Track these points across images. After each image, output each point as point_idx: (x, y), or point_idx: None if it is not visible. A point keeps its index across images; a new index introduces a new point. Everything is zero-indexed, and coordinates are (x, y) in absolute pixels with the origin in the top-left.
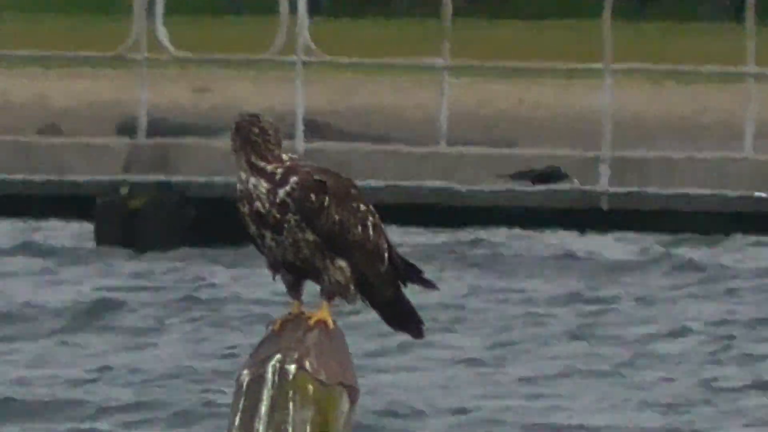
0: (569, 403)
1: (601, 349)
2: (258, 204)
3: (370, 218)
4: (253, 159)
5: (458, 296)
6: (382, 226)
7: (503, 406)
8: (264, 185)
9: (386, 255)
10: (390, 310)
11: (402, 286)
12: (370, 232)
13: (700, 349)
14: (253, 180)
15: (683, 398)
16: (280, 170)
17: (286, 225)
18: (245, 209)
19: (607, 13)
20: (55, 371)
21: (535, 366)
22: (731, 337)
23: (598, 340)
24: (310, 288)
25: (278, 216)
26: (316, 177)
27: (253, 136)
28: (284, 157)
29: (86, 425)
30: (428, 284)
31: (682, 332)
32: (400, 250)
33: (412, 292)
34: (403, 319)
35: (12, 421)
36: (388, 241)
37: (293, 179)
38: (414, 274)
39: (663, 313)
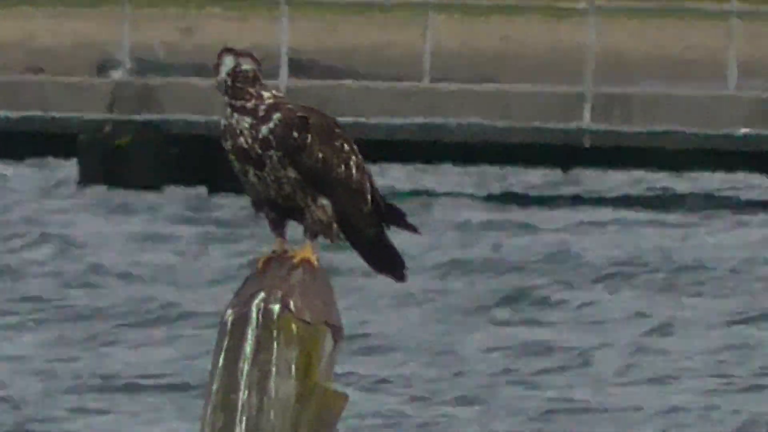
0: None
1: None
2: (241, 139)
3: (354, 158)
4: (235, 101)
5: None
6: (366, 166)
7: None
8: (247, 120)
9: (369, 195)
10: (372, 252)
11: (385, 228)
12: (353, 171)
13: None
14: (236, 115)
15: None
16: (263, 107)
17: (268, 161)
18: (228, 145)
19: None
20: None
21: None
22: None
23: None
24: (295, 229)
25: (260, 152)
26: (300, 114)
27: (235, 80)
28: (267, 94)
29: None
30: (411, 228)
31: None
32: (383, 186)
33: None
34: (386, 261)
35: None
36: (371, 182)
37: (276, 116)
38: (397, 218)
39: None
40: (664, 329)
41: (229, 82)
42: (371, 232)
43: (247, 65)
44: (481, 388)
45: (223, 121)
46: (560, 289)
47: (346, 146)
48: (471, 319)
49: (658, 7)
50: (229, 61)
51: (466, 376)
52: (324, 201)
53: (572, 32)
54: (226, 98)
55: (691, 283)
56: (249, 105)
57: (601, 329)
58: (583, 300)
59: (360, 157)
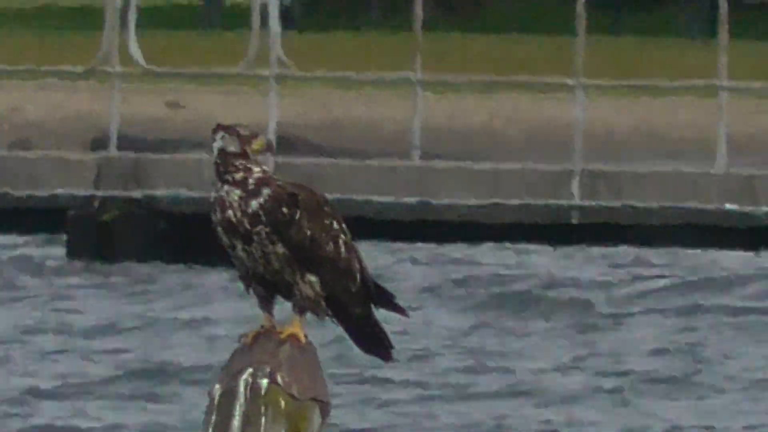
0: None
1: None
2: (230, 212)
3: (342, 236)
4: (226, 173)
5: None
6: (355, 246)
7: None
8: (237, 192)
9: (358, 275)
10: (359, 331)
11: (373, 308)
12: (342, 249)
13: None
14: (226, 187)
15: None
16: (251, 180)
17: (255, 237)
18: (217, 218)
19: (580, 28)
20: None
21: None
22: None
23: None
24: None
25: (249, 226)
26: (290, 190)
27: (223, 159)
28: (255, 168)
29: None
30: (399, 310)
31: None
32: (372, 265)
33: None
34: (373, 341)
35: None
36: (360, 262)
37: (266, 191)
38: (386, 299)
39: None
40: None
41: (218, 161)
42: (359, 311)
43: (232, 147)
44: None
45: (213, 194)
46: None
47: (335, 224)
48: None
49: (646, 84)
50: (219, 139)
51: None
52: (312, 278)
53: (560, 108)
54: (216, 175)
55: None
56: (237, 176)
57: None
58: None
59: (349, 235)
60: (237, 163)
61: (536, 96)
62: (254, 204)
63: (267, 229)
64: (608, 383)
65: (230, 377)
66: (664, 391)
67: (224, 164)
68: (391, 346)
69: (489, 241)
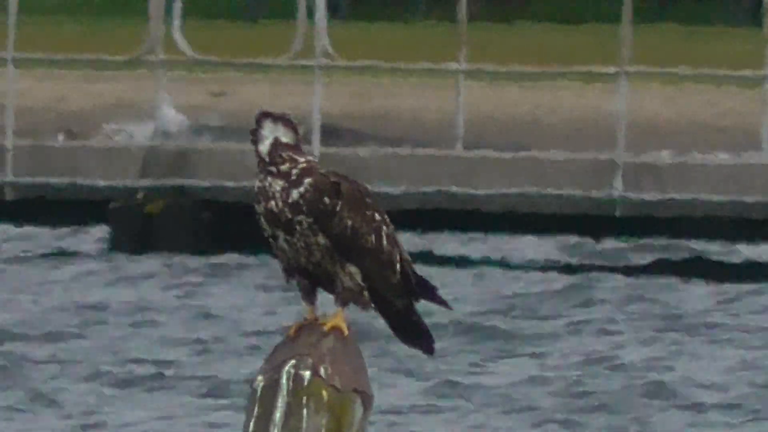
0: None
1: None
2: (272, 203)
3: (384, 228)
4: (270, 160)
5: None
6: (397, 238)
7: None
8: (279, 183)
9: (398, 266)
10: (400, 324)
11: (414, 300)
12: (384, 241)
13: None
14: (269, 178)
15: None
16: (295, 171)
17: (298, 227)
18: (260, 208)
19: (626, 16)
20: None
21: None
22: None
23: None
24: (328, 297)
25: (290, 216)
26: (332, 180)
27: (275, 152)
28: (301, 159)
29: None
30: (442, 302)
31: None
32: (414, 255)
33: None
34: (414, 334)
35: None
36: (401, 254)
37: (308, 180)
38: (428, 291)
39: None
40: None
41: (267, 156)
42: (400, 303)
43: (287, 138)
44: None
45: (257, 184)
46: None
47: (377, 216)
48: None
49: (690, 73)
50: (268, 130)
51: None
52: (353, 269)
53: (604, 98)
54: (265, 158)
55: None
56: (283, 168)
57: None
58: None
59: (391, 227)
60: (285, 154)
61: (581, 86)
62: (295, 194)
63: (309, 219)
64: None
65: (273, 369)
66: None
67: (273, 154)
68: (432, 339)
69: (531, 232)
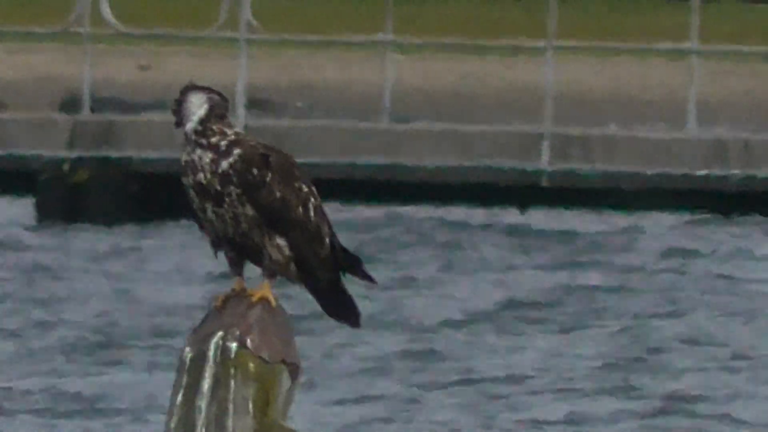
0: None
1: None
2: (201, 175)
3: (312, 200)
4: (197, 134)
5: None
6: (324, 211)
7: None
8: (208, 155)
9: (327, 239)
10: (327, 297)
11: (341, 274)
12: (311, 213)
13: None
14: (198, 150)
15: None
16: (224, 142)
17: (227, 198)
18: (189, 181)
19: None
20: None
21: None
22: None
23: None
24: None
25: (219, 188)
26: (261, 152)
27: (211, 115)
28: (230, 131)
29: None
30: (367, 277)
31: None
32: (341, 227)
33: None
34: (342, 307)
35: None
36: (329, 227)
37: (237, 151)
38: (354, 265)
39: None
40: None
41: (198, 127)
42: (327, 276)
43: (215, 110)
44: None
45: (184, 157)
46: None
47: (305, 188)
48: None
49: (618, 46)
50: (196, 103)
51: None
52: (281, 241)
53: (531, 71)
54: (193, 136)
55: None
56: (212, 140)
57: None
58: None
59: (319, 200)
60: (215, 127)
61: (508, 59)
62: (224, 164)
63: (237, 190)
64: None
65: (201, 340)
66: None
67: (203, 127)
68: (358, 313)
69: (459, 202)
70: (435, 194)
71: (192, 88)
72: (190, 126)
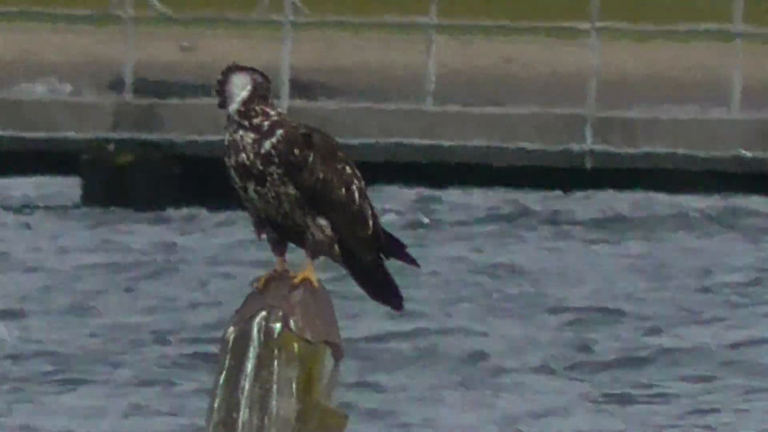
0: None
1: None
2: (243, 155)
3: (356, 182)
4: (240, 114)
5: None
6: (367, 193)
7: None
8: (251, 136)
9: (370, 222)
10: (370, 280)
11: (383, 257)
12: (355, 195)
13: None
14: (241, 131)
15: None
16: (267, 123)
17: (269, 177)
18: (231, 161)
19: None
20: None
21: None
22: None
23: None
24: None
25: (261, 168)
26: (303, 132)
27: (246, 91)
28: (272, 112)
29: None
30: (410, 260)
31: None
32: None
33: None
34: (383, 289)
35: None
36: (372, 209)
37: (279, 132)
38: (397, 249)
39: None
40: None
41: (241, 108)
42: (369, 258)
43: (258, 91)
44: None
45: (227, 137)
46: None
47: (347, 169)
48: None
49: (661, 29)
50: (239, 83)
51: None
52: (322, 221)
53: (575, 54)
54: (236, 116)
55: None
56: (255, 121)
57: None
58: None
59: (362, 182)
60: (258, 108)
61: (551, 41)
62: (267, 144)
63: (279, 170)
64: None
65: (244, 321)
66: None
67: (246, 107)
68: (400, 296)
69: (500, 185)
70: (477, 176)
71: (235, 68)
72: (233, 107)
